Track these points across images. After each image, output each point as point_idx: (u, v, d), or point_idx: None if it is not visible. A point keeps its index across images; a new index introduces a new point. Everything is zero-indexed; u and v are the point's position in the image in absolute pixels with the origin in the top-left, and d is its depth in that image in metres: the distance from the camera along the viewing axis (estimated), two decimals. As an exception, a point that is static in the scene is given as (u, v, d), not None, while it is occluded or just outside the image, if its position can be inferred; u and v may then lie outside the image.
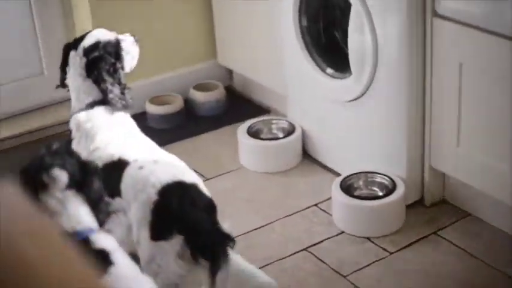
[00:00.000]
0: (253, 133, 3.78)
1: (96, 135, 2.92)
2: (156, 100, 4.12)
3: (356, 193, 3.32)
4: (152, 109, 4.09)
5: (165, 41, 4.24)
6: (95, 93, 3.00)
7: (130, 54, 3.13)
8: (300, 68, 3.62)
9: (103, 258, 2.22)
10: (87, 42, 3.02)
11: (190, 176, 2.72)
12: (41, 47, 4.07)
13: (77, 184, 2.29)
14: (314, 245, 3.24)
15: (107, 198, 2.44)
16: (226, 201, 3.51)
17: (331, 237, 3.28)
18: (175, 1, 4.23)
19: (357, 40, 3.25)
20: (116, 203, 2.78)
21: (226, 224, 2.73)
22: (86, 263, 1.06)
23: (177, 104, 4.11)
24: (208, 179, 3.69)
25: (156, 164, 2.72)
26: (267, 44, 3.93)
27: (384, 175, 3.35)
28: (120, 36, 3.12)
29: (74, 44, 3.07)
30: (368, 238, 3.24)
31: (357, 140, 3.49)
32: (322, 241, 3.26)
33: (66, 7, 4.07)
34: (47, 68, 4.05)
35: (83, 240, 2.25)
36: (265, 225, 3.37)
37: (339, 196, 3.28)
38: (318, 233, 3.30)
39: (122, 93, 3.02)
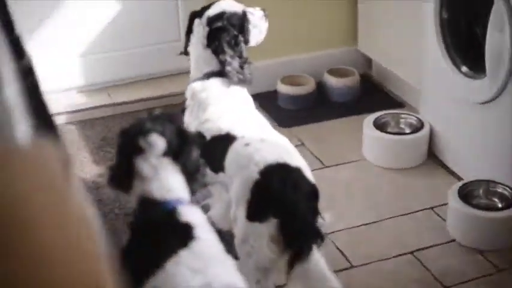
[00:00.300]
0: (380, 125, 3.63)
1: (209, 106, 2.88)
2: (287, 80, 4.05)
3: (474, 202, 3.13)
4: (282, 88, 4.02)
5: (305, 21, 4.15)
6: (213, 64, 2.96)
7: (258, 28, 3.06)
8: (436, 62, 3.44)
9: (186, 232, 2.20)
10: (212, 11, 2.97)
11: (296, 160, 2.63)
12: (180, 13, 4.09)
13: (174, 152, 2.27)
14: (421, 249, 3.08)
15: (204, 170, 2.40)
16: (340, 192, 3.42)
17: (441, 244, 3.11)
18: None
19: (496, 39, 3.05)
20: (219, 177, 2.75)
21: (327, 214, 2.64)
22: (99, 255, 0.97)
23: (308, 86, 4.02)
24: (326, 167, 3.59)
25: (262, 143, 2.66)
26: (408, 35, 3.77)
27: (507, 186, 3.15)
28: (249, 9, 3.06)
29: (200, 12, 3.03)
30: (479, 250, 3.06)
31: (485, 144, 3.29)
32: (430, 247, 3.10)
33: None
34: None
35: (169, 211, 2.23)
36: (375, 222, 3.24)
37: (455, 203, 3.11)
38: (427, 238, 3.14)
39: (241, 67, 2.95)
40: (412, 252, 3.07)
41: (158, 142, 2.24)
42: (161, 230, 2.22)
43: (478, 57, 3.21)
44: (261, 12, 3.09)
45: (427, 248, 3.09)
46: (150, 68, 4.10)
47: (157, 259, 2.15)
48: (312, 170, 3.46)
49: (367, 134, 3.61)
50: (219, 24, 2.95)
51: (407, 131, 3.65)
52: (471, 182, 3.21)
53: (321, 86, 4.10)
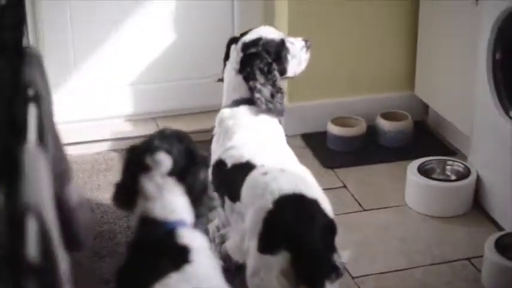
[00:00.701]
0: (424, 171, 3.48)
1: (234, 134, 2.81)
2: (338, 121, 3.94)
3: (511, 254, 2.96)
4: (332, 129, 3.90)
5: (360, 62, 4.06)
6: (243, 91, 2.90)
7: (297, 58, 3.00)
8: (486, 107, 3.29)
9: (181, 254, 2.12)
10: (249, 37, 2.94)
11: (314, 191, 2.52)
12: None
13: (181, 172, 2.21)
14: (450, 299, 2.93)
15: (211, 193, 2.32)
16: (375, 236, 3.29)
17: (472, 295, 2.95)
18: (381, 27, 4.05)
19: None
20: (237, 207, 2.66)
21: (345, 252, 2.52)
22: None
23: (358, 128, 3.90)
24: (365, 210, 3.46)
25: (281, 173, 2.57)
26: (461, 80, 3.63)
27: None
28: (289, 38, 3.00)
29: (237, 38, 2.99)
30: (513, 306, 2.88)
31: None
32: (460, 297, 2.94)
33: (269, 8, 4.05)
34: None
35: (168, 232, 2.16)
36: (406, 269, 3.09)
37: (489, 254, 2.94)
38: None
39: (272, 95, 2.87)
40: (440, 303, 2.92)
41: (164, 160, 2.19)
42: (156, 251, 2.15)
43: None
44: (302, 43, 3.02)
45: (457, 299, 2.93)
46: (199, 101, 4.07)
47: (148, 280, 2.08)
48: (350, 213, 3.40)
49: (410, 179, 3.47)
50: (253, 50, 2.90)
51: (453, 178, 3.49)
52: (509, 233, 3.04)
53: (372, 130, 3.97)
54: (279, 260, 2.38)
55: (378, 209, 3.48)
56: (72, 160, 3.70)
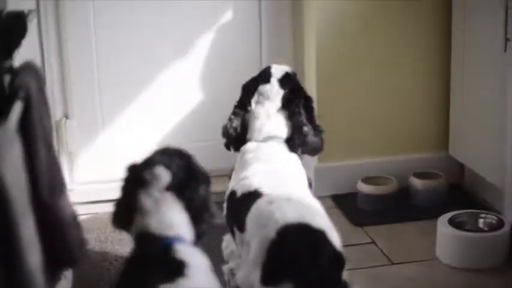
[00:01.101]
0: (456, 224, 3.33)
1: (251, 165, 2.73)
2: (369, 180, 3.83)
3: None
4: (362, 187, 3.79)
5: (394, 122, 3.97)
6: (281, 128, 2.87)
7: None
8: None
9: (177, 269, 2.01)
10: (277, 73, 2.94)
11: (321, 221, 2.39)
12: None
13: (180, 188, 2.13)
14: None
15: (213, 209, 2.22)
16: (402, 286, 3.13)
17: None
18: (415, 88, 3.97)
19: None
20: (245, 237, 2.55)
21: (356, 287, 2.37)
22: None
23: (389, 187, 3.77)
24: (394, 264, 3.30)
25: (287, 202, 2.45)
26: (494, 133, 3.50)
27: None
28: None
29: (255, 82, 2.97)
30: None
31: None
32: None
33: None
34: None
35: (164, 246, 2.06)
36: (435, 318, 2.92)
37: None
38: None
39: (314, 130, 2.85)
40: None
41: (163, 174, 2.13)
42: (151, 265, 2.05)
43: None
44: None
45: None
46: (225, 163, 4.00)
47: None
48: (379, 266, 3.25)
49: (441, 231, 3.31)
50: (291, 85, 2.91)
51: (485, 229, 3.32)
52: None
53: (404, 189, 3.84)
54: None
55: (406, 262, 3.31)
56: (97, 217, 3.70)
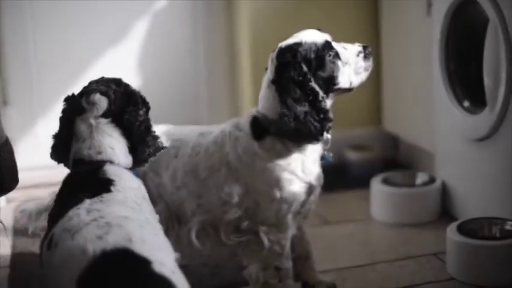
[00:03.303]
0: (389, 183, 3.41)
1: None
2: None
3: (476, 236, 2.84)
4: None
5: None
6: (272, 106, 2.46)
7: (352, 66, 2.48)
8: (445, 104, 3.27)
9: (103, 185, 2.04)
10: (287, 42, 2.46)
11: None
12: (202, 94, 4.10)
13: (119, 115, 2.17)
14: (414, 285, 2.79)
15: (155, 134, 2.23)
16: (337, 241, 3.21)
17: (438, 281, 2.81)
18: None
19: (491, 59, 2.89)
20: None
21: None
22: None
23: (324, 159, 3.85)
24: (329, 223, 3.37)
25: None
26: (424, 102, 3.59)
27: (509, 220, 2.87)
28: (342, 44, 2.52)
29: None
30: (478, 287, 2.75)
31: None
32: (424, 283, 2.80)
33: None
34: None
35: (94, 168, 2.09)
36: (368, 264, 2.97)
37: (453, 236, 2.83)
38: (422, 276, 2.85)
39: (306, 113, 2.38)
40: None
41: (99, 101, 2.16)
42: (80, 184, 2.07)
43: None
44: (359, 48, 2.52)
45: (420, 284, 2.80)
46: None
47: (67, 209, 1.99)
48: (314, 226, 3.30)
49: (375, 190, 3.39)
50: (289, 56, 2.41)
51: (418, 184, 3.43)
52: (472, 219, 2.94)
53: (339, 163, 3.90)
54: None
55: (342, 221, 3.39)
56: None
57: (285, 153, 2.44)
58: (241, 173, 2.46)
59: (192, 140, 2.56)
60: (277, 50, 2.46)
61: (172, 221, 2.54)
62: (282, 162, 2.44)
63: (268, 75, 2.46)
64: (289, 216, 2.49)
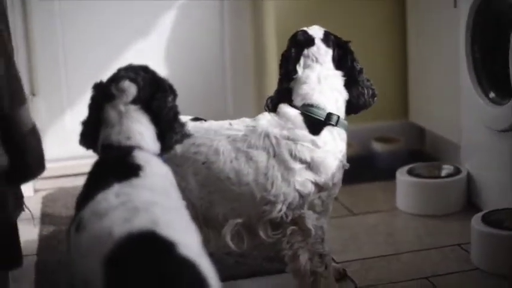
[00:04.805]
0: (415, 174, 3.42)
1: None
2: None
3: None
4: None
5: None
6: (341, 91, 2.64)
7: None
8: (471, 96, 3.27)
9: (132, 171, 2.06)
10: (318, 33, 2.64)
11: None
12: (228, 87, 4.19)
13: (147, 101, 2.17)
14: (438, 275, 2.80)
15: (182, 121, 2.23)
16: (362, 232, 3.22)
17: (462, 271, 2.82)
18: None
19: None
20: None
21: None
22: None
23: (349, 150, 3.85)
24: (355, 214, 3.38)
25: None
26: (451, 94, 3.59)
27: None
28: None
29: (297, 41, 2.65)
30: (503, 276, 2.74)
31: None
32: (448, 273, 2.81)
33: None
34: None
35: (123, 154, 2.11)
36: (393, 254, 2.98)
37: (478, 226, 2.83)
38: (446, 266, 2.87)
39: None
40: (427, 278, 2.78)
41: (129, 88, 2.17)
42: (109, 169, 2.10)
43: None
44: None
45: (445, 274, 2.80)
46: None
47: (96, 193, 2.01)
48: (340, 217, 3.31)
49: (399, 180, 3.40)
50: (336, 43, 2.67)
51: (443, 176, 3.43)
52: (497, 210, 2.94)
53: (366, 154, 3.94)
54: None
55: (367, 213, 3.40)
56: (64, 189, 3.75)
57: (338, 142, 2.53)
58: (295, 169, 2.46)
59: (220, 145, 2.51)
60: (323, 38, 2.62)
61: (200, 222, 2.53)
62: (335, 151, 2.51)
63: (327, 66, 2.59)
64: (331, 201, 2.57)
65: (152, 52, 4.11)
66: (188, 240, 1.73)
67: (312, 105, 2.52)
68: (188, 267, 1.61)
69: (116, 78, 2.21)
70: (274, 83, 3.89)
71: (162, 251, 1.62)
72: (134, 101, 2.17)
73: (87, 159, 2.27)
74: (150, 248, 1.63)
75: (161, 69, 4.02)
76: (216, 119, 2.68)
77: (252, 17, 4.19)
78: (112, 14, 4.06)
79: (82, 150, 2.50)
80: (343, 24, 3.84)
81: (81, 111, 4.04)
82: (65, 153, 3.96)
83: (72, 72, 4.05)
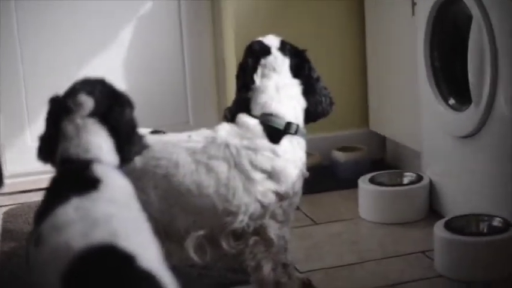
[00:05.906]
0: (377, 183, 3.42)
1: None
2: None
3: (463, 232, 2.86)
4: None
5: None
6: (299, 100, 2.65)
7: None
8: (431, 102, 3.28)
9: (91, 184, 2.04)
10: (275, 42, 2.64)
11: None
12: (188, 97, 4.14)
13: (105, 114, 2.15)
14: (402, 283, 2.80)
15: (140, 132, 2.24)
16: (325, 241, 3.21)
17: (426, 278, 2.82)
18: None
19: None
20: None
21: None
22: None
23: (311, 159, 3.82)
24: (317, 224, 3.38)
25: None
26: (411, 102, 3.61)
27: (497, 216, 2.88)
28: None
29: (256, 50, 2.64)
30: (466, 282, 2.75)
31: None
32: (413, 280, 2.81)
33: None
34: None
35: (80, 167, 2.08)
36: (357, 263, 2.98)
37: (440, 232, 2.84)
38: (410, 274, 2.86)
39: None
40: (392, 285, 2.78)
41: (85, 101, 2.15)
42: (67, 182, 2.07)
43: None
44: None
45: (409, 282, 2.80)
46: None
47: (54, 208, 1.98)
48: (303, 226, 3.31)
49: (362, 189, 3.40)
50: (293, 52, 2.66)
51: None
52: (459, 216, 2.96)
53: (327, 164, 3.93)
54: None
55: (330, 222, 3.39)
56: (26, 205, 3.71)
57: (297, 150, 2.52)
58: (256, 179, 2.45)
59: (180, 158, 2.47)
60: (279, 47, 2.61)
61: (161, 236, 2.50)
62: (296, 159, 2.51)
63: (285, 74, 2.58)
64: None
65: (112, 65, 4.09)
66: (149, 252, 1.71)
67: (271, 115, 2.52)
68: (149, 279, 1.59)
69: (72, 92, 2.19)
70: (233, 90, 3.91)
71: (122, 263, 1.60)
72: (91, 114, 2.15)
73: (48, 174, 2.24)
74: (109, 261, 1.61)
75: (121, 82, 4.04)
76: (176, 130, 2.67)
77: (210, 23, 4.19)
78: (71, 28, 4.04)
79: (43, 166, 2.51)
80: (302, 33, 3.86)
81: (41, 127, 4.08)
82: (26, 169, 3.93)
83: (32, 88, 4.02)
